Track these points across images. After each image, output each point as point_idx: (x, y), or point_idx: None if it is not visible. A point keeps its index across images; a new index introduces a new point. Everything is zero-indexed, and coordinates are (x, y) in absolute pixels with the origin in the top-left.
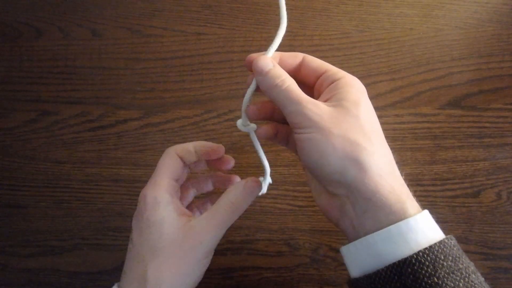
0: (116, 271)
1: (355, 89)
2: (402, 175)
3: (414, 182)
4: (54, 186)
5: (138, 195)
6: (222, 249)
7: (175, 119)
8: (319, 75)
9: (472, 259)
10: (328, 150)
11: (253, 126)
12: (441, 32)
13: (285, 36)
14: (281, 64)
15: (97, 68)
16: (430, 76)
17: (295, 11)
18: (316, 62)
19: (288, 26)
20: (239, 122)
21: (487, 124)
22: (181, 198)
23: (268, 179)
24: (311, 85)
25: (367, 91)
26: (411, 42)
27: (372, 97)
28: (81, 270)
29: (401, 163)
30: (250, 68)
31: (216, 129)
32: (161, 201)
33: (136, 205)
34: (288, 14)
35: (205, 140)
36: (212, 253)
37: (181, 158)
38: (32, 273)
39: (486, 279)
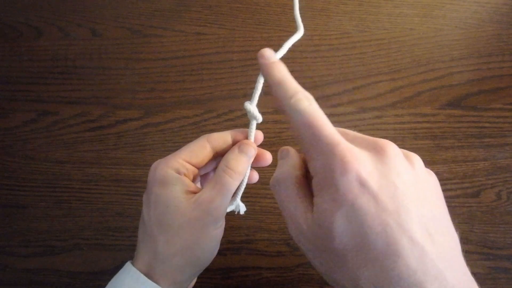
0: (116, 271)
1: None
2: None
3: None
4: (54, 186)
5: (138, 195)
6: (222, 249)
7: (175, 119)
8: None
9: (472, 259)
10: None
11: (260, 117)
12: (441, 32)
13: (285, 36)
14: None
15: (97, 68)
16: (430, 76)
17: None
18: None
19: (288, 26)
20: (248, 105)
21: (487, 124)
22: (204, 178)
23: (238, 202)
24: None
25: (367, 91)
26: (411, 42)
27: (372, 97)
28: (81, 270)
29: None
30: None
31: (216, 129)
32: (169, 178)
33: (136, 207)
34: (288, 14)
35: None
36: (222, 223)
37: (213, 147)
38: (32, 273)
39: (486, 279)
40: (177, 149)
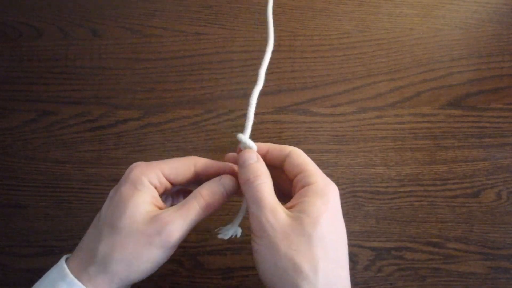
0: None
1: (321, 200)
2: None
3: (414, 182)
4: (54, 186)
5: None
6: (222, 249)
7: (175, 119)
8: (297, 173)
9: (472, 259)
10: (271, 267)
11: (254, 146)
12: (441, 32)
13: (285, 36)
14: (269, 156)
15: (97, 68)
16: (430, 76)
17: (295, 11)
18: (298, 160)
19: (288, 26)
20: (242, 137)
21: (487, 124)
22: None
23: (237, 229)
24: (291, 180)
25: (367, 91)
26: (411, 42)
27: (372, 97)
28: None
29: (401, 163)
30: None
31: (216, 129)
32: (139, 184)
33: None
34: (288, 14)
35: (205, 140)
36: (174, 249)
37: (197, 172)
38: (32, 273)
39: (486, 279)
40: (176, 149)
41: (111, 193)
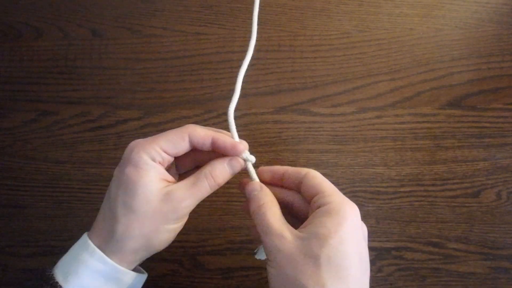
0: None
1: (333, 220)
2: None
3: (414, 182)
4: (54, 186)
5: None
6: (222, 249)
7: (175, 119)
8: (314, 194)
9: (472, 259)
10: None
11: (253, 158)
12: (441, 32)
13: (285, 36)
14: (286, 179)
15: (97, 68)
16: (430, 76)
17: (295, 11)
18: (314, 181)
19: (288, 26)
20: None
21: (487, 124)
22: (179, 166)
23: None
24: (309, 202)
25: (367, 91)
26: (411, 42)
27: (372, 97)
28: None
29: (401, 163)
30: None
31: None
32: (143, 164)
33: None
34: (288, 14)
35: None
36: (185, 220)
37: (191, 142)
38: (32, 273)
39: (486, 279)
40: None
41: (116, 173)
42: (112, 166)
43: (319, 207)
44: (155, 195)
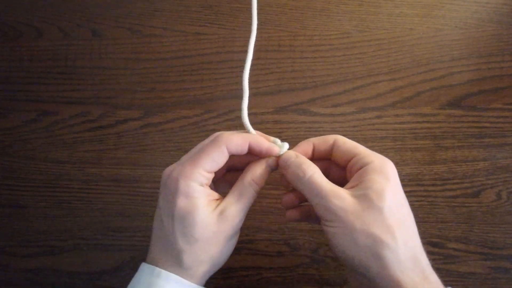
0: (116, 271)
1: (382, 176)
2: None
3: (414, 182)
4: (54, 186)
5: (138, 195)
6: None
7: (175, 119)
8: (350, 158)
9: (472, 259)
10: (351, 245)
11: (286, 145)
12: (441, 32)
13: (285, 36)
14: (316, 151)
15: (97, 68)
16: (430, 76)
17: (295, 11)
18: (346, 145)
19: (288, 26)
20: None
21: (487, 124)
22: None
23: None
24: (343, 166)
25: (367, 91)
26: (411, 42)
27: (372, 97)
28: (81, 270)
29: (401, 163)
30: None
31: (216, 129)
32: (193, 192)
33: (136, 207)
34: (288, 14)
35: None
36: (240, 230)
37: (230, 153)
38: (32, 273)
39: (486, 279)
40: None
41: (164, 203)
42: (112, 166)
43: (361, 167)
44: (211, 218)
